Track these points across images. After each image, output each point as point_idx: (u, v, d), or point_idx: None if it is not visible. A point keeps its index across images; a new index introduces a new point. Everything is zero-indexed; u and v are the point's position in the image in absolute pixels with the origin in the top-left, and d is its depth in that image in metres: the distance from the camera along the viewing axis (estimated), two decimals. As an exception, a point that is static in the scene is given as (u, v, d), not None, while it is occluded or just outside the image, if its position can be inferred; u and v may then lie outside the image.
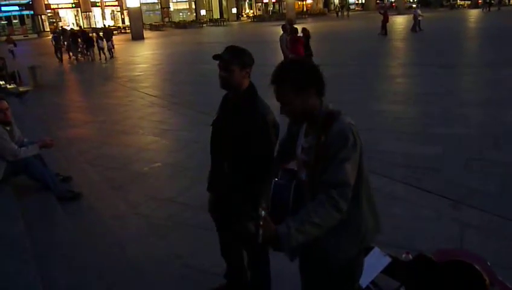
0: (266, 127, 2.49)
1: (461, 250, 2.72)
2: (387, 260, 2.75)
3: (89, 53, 22.83)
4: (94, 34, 25.81)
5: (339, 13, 53.72)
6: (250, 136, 2.48)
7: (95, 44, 22.74)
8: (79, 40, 23.43)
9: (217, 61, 2.58)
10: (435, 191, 4.68)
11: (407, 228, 4.02)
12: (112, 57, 23.09)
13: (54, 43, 22.94)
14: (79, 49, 23.46)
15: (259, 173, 2.48)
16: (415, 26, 24.93)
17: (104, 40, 22.80)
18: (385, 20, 24.50)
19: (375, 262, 2.76)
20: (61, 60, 22.48)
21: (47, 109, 11.00)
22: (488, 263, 2.56)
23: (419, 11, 25.69)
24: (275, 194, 1.88)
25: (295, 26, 12.36)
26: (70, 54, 23.60)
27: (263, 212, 1.72)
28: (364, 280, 2.66)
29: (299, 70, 1.87)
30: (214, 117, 2.78)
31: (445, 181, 4.95)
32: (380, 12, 25.95)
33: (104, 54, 22.82)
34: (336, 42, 23.28)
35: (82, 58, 23.38)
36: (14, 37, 29.37)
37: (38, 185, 5.01)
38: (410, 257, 2.78)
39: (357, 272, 2.12)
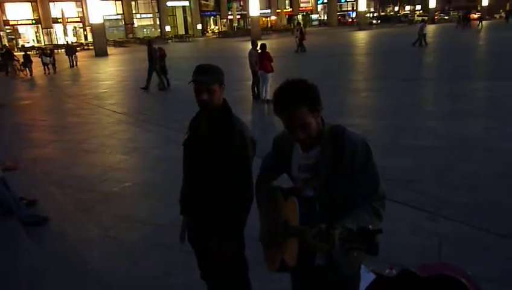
0: (244, 144, 2.41)
1: (445, 264, 2.73)
2: (372, 276, 2.72)
3: (26, 69, 23.81)
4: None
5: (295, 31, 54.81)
6: (228, 153, 2.40)
7: (41, 59, 24.01)
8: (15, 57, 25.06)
9: (187, 81, 2.45)
10: (409, 204, 4.74)
11: (386, 241, 4.00)
12: (55, 72, 24.16)
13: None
14: (16, 66, 24.55)
15: (238, 191, 2.40)
16: (420, 40, 24.24)
17: (47, 56, 24.27)
18: (302, 38, 26.24)
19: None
20: (7, 73, 24.12)
21: (7, 130, 10.53)
22: (469, 274, 2.59)
23: (425, 24, 25.38)
24: (302, 211, 1.80)
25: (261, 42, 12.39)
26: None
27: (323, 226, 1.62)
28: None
29: (309, 90, 1.82)
30: (186, 136, 2.70)
31: (418, 193, 5.03)
32: (297, 30, 27.57)
33: (49, 68, 23.90)
34: (296, 59, 23.56)
35: (20, 74, 24.15)
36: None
37: (1, 210, 4.74)
38: (394, 272, 2.76)
39: (359, 283, 2.11)
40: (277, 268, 1.91)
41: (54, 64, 24.21)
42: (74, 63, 27.23)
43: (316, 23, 72.37)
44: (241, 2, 66.84)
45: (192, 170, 2.63)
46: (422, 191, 5.08)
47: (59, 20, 49.47)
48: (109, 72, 23.19)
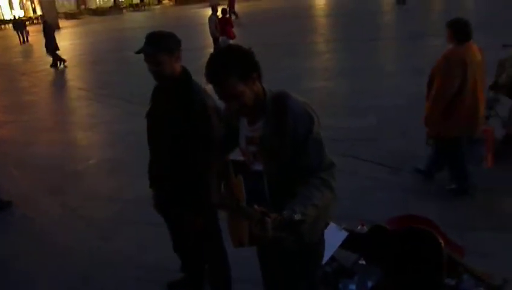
0: (206, 112, 2.35)
1: (413, 216, 2.82)
2: (344, 234, 2.79)
3: None
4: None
5: None
6: (191, 124, 2.34)
7: None
8: None
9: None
10: (375, 161, 4.86)
11: (355, 198, 4.14)
12: None
13: None
14: None
15: (202, 161, 2.35)
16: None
17: None
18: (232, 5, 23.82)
19: (332, 237, 2.79)
20: None
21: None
22: (435, 223, 2.70)
23: None
24: (249, 187, 1.78)
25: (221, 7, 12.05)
26: None
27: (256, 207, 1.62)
28: (325, 256, 2.69)
29: (240, 58, 1.73)
30: (148, 108, 2.61)
31: (382, 150, 5.16)
32: None
33: None
34: (260, 23, 23.21)
35: None
36: None
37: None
38: (365, 228, 2.84)
39: (323, 248, 2.12)
40: (236, 245, 1.93)
41: None
42: (25, 38, 25.78)
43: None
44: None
45: (155, 141, 2.57)
46: (386, 149, 5.20)
47: (3, -7, 46.53)
48: (62, 47, 21.83)
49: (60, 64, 15.11)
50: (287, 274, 2.05)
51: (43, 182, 5.36)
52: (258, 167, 1.90)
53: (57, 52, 15.10)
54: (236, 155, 2.14)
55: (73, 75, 13.61)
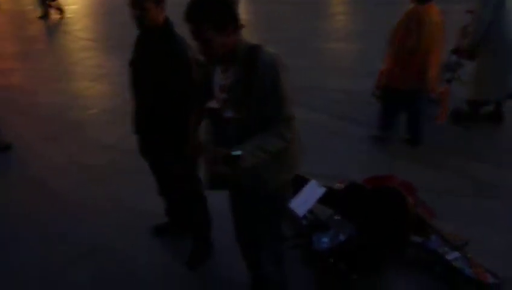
0: (187, 63, 2.39)
1: (390, 176, 2.86)
2: (322, 190, 2.87)
3: None
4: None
5: None
6: (171, 73, 2.39)
7: None
8: None
9: None
10: (371, 124, 4.85)
11: (346, 160, 4.21)
12: None
13: None
14: None
15: (182, 110, 2.41)
16: None
17: None
18: None
19: (312, 193, 2.88)
20: None
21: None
22: (414, 187, 2.75)
23: None
24: (218, 133, 1.87)
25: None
26: None
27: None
28: (302, 210, 2.78)
29: (218, 6, 1.76)
30: (131, 57, 2.64)
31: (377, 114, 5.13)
32: None
33: None
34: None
35: None
36: None
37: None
38: (343, 186, 2.91)
39: (286, 199, 2.22)
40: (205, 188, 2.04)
41: None
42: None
43: None
44: None
45: (138, 89, 2.62)
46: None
47: None
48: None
49: (46, 15, 14.36)
50: (248, 217, 2.17)
51: (44, 130, 5.47)
52: (229, 114, 1.96)
53: (57, 1, 14.53)
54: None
55: (82, 25, 13.50)
